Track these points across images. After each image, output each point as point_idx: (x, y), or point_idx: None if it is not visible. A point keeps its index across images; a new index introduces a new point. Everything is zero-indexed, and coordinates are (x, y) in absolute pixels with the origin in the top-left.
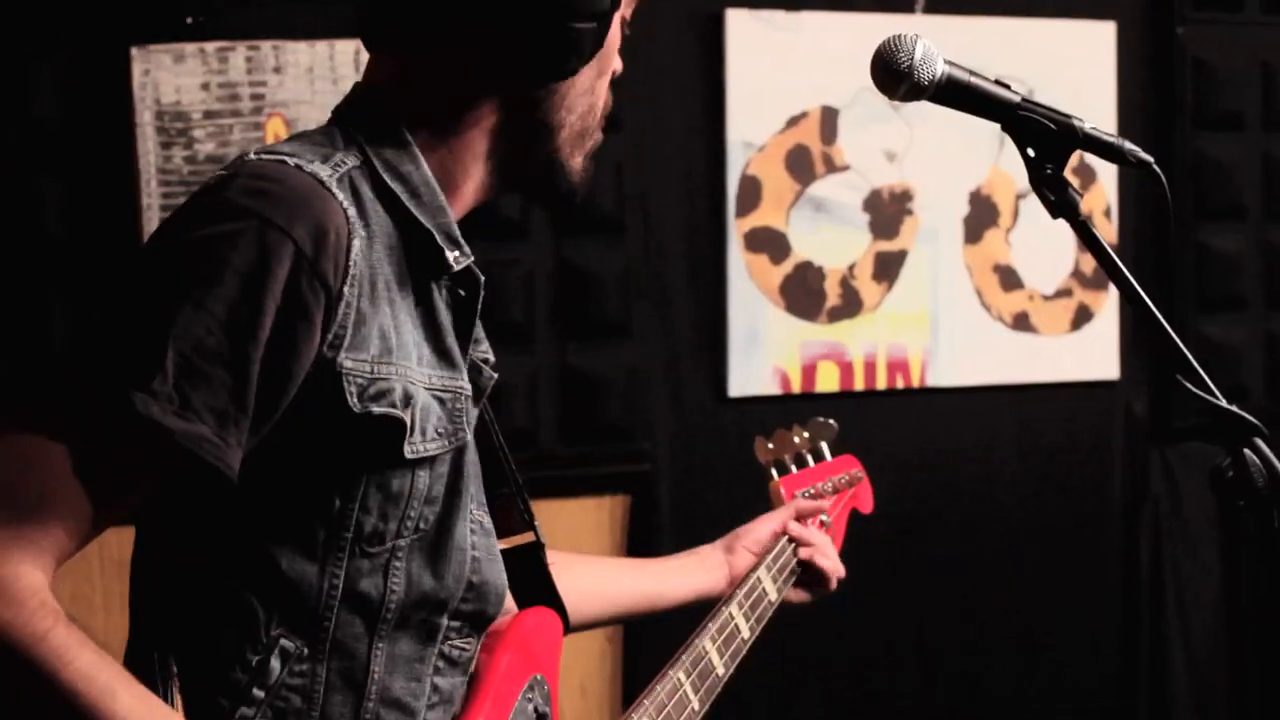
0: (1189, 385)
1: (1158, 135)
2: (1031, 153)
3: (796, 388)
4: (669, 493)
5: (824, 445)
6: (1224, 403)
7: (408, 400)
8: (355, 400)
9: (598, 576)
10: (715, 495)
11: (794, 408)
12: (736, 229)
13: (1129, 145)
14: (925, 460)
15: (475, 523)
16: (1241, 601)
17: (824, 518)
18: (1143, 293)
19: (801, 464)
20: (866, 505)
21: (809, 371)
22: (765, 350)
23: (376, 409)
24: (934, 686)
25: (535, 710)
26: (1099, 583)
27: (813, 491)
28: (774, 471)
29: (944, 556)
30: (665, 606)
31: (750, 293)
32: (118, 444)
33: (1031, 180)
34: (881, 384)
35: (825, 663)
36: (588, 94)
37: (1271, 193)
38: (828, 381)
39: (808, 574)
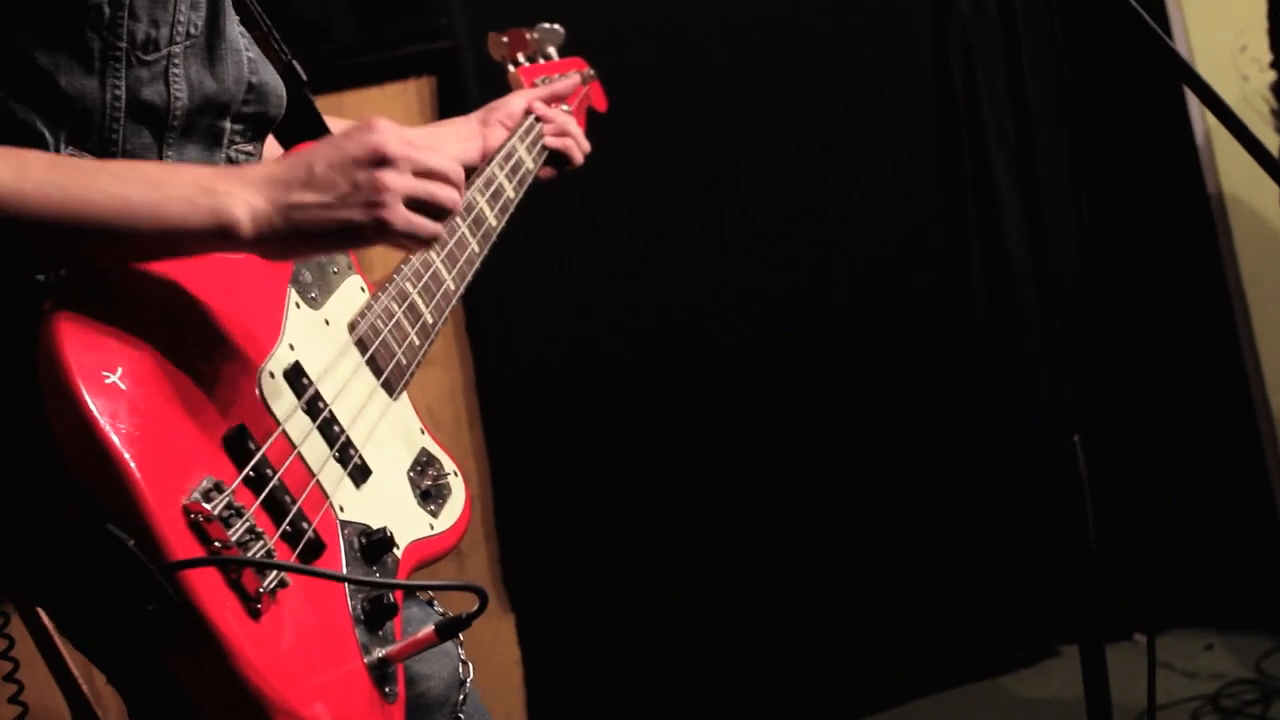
0: None
1: None
2: None
3: None
4: (475, 67)
5: (551, 49)
6: None
7: None
8: None
9: None
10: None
11: None
12: None
13: None
14: None
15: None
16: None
17: (565, 106)
18: None
19: (534, 60)
20: (601, 103)
21: None
22: None
23: None
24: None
25: None
26: (917, 104)
27: (553, 79)
28: (510, 66)
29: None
30: None
31: None
32: None
33: None
34: None
35: None
36: None
37: None
38: None
39: (553, 153)
